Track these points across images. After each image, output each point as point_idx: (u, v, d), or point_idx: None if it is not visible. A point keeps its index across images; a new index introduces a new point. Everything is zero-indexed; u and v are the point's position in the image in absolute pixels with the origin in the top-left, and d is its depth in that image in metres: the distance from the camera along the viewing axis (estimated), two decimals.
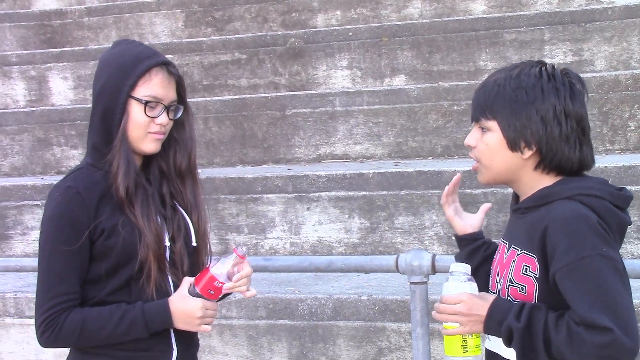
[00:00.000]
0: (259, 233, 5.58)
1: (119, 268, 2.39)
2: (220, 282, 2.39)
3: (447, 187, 2.46)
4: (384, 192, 5.34)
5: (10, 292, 5.14)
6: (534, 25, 6.43)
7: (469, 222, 2.41)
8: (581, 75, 5.89)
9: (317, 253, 5.46)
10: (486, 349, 2.26)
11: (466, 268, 2.18)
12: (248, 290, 2.48)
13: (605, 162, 5.01)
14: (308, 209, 5.49)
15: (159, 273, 2.42)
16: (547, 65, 2.16)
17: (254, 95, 6.73)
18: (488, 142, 2.15)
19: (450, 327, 2.15)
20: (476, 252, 2.36)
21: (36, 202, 5.98)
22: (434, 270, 3.39)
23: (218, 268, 2.39)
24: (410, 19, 7.16)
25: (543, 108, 2.08)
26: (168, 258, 2.47)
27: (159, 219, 2.45)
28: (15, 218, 6.08)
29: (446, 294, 2.15)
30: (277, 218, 5.56)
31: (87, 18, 8.32)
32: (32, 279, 5.31)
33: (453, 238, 5.14)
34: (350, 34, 6.89)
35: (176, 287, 2.46)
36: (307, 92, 6.66)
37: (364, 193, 5.38)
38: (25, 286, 5.17)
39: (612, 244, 2.04)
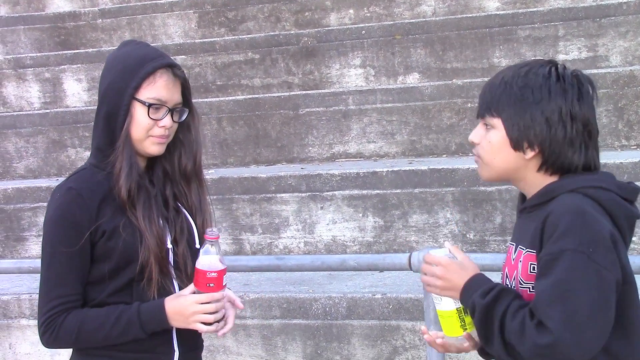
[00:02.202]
0: (272, 232, 5.58)
1: (119, 270, 2.38)
2: (213, 272, 2.34)
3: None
4: (398, 191, 5.32)
5: (25, 293, 5.16)
6: (548, 22, 6.38)
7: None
8: (596, 71, 5.83)
9: (332, 252, 5.44)
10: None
11: (443, 250, 2.16)
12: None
13: (620, 158, 4.97)
14: (322, 208, 5.47)
15: (161, 275, 2.40)
16: (558, 65, 2.10)
17: (267, 95, 6.73)
18: (491, 140, 2.11)
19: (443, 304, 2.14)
20: None
21: None
22: None
23: (202, 261, 2.35)
24: (423, 17, 7.13)
25: (548, 109, 2.03)
26: (172, 261, 2.45)
27: (161, 221, 2.44)
28: (30, 220, 6.10)
29: (430, 255, 2.15)
30: (290, 217, 5.55)
31: (100, 20, 8.34)
32: None
33: (468, 236, 5.15)
34: (363, 32, 6.87)
35: (181, 289, 2.44)
36: (320, 91, 6.64)
37: (378, 191, 5.36)
38: None
39: (610, 250, 1.95)
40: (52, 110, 7.38)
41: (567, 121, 2.04)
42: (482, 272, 2.12)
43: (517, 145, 2.07)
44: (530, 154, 2.07)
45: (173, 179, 2.52)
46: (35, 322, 5.05)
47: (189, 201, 2.53)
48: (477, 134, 2.16)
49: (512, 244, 2.18)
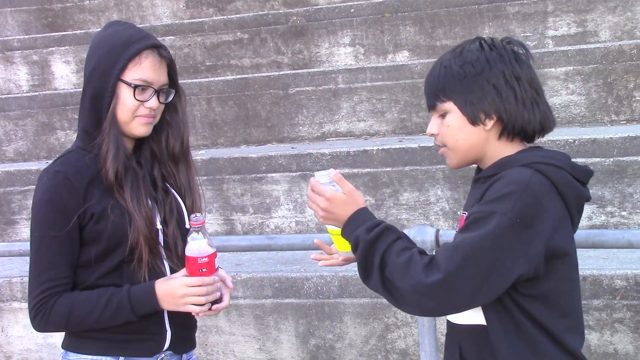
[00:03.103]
0: (264, 212, 5.58)
1: (109, 252, 2.38)
2: (204, 257, 2.34)
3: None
4: (389, 169, 5.32)
5: (17, 276, 5.15)
6: None
7: None
8: (585, 46, 5.79)
9: (323, 231, 5.41)
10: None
11: (327, 173, 2.20)
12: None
13: (610, 133, 4.97)
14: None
15: (152, 256, 2.40)
16: (486, 38, 2.18)
17: (256, 75, 6.70)
18: (450, 124, 2.16)
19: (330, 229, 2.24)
20: None
21: None
22: (438, 245, 3.38)
23: (190, 248, 2.35)
24: None
25: (493, 76, 2.11)
26: (162, 241, 2.44)
27: (150, 202, 2.43)
28: (20, 203, 6.08)
29: (316, 184, 2.19)
30: (281, 197, 5.55)
31: (88, 1, 8.29)
32: None
33: (459, 213, 5.15)
34: (352, 10, 6.85)
35: (172, 270, 2.44)
36: (309, 70, 6.62)
37: (369, 170, 5.36)
38: None
39: (533, 229, 1.98)
40: (41, 92, 7.34)
41: (513, 83, 2.11)
42: (366, 207, 2.18)
43: (474, 119, 2.13)
44: (489, 123, 2.13)
45: (161, 159, 2.52)
46: (27, 304, 5.07)
47: (177, 182, 2.54)
48: (433, 125, 2.22)
49: (464, 212, 2.23)
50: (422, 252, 2.04)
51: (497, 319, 2.07)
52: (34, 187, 6.36)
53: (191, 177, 2.57)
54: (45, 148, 6.96)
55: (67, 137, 6.87)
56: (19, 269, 5.26)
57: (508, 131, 2.13)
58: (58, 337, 5.02)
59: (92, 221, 2.36)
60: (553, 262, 2.05)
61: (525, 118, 2.12)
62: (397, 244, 2.06)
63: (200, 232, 2.34)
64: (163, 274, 2.43)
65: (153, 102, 2.42)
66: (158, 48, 2.43)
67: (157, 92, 2.43)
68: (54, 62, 7.64)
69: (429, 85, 2.20)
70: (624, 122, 5.57)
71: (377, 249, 2.06)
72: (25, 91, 7.64)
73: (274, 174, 5.57)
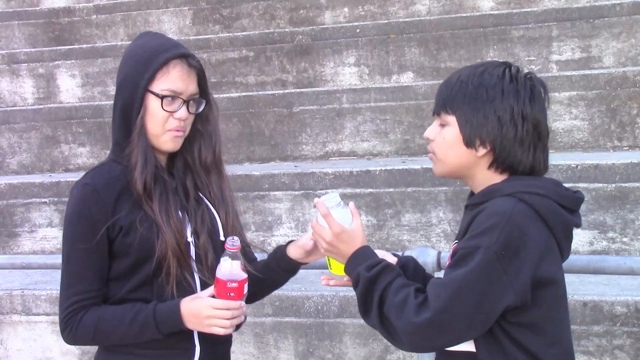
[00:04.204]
0: (266, 230, 5.58)
1: (138, 265, 2.34)
2: (234, 282, 2.28)
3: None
4: (391, 189, 5.33)
5: (17, 289, 5.15)
6: (541, 22, 6.40)
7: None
8: (589, 71, 5.83)
9: None
10: None
11: (335, 196, 2.25)
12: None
13: (612, 159, 4.99)
14: (315, 206, 5.47)
15: (181, 269, 2.35)
16: (512, 67, 2.16)
17: (261, 93, 6.73)
18: (445, 137, 2.16)
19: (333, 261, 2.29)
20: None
21: (44, 200, 6.00)
22: (439, 267, 3.38)
23: (222, 271, 2.29)
24: (417, 16, 7.15)
25: (501, 108, 2.09)
26: (193, 254, 2.40)
27: (180, 213, 2.39)
28: (23, 215, 6.09)
29: (327, 215, 2.22)
30: (284, 215, 5.55)
31: (95, 16, 8.33)
32: (39, 276, 5.34)
33: None
34: (358, 31, 6.88)
35: (202, 282, 2.39)
36: (314, 89, 6.64)
37: (371, 190, 5.37)
38: (32, 283, 5.19)
39: (519, 259, 1.99)
40: (46, 105, 7.37)
41: (518, 121, 2.10)
42: (368, 245, 2.21)
43: (469, 142, 2.13)
44: (482, 151, 2.13)
45: (194, 169, 2.48)
46: (27, 318, 5.08)
47: (211, 193, 2.49)
48: (432, 130, 2.21)
49: (456, 241, 2.23)
50: (419, 290, 2.06)
51: (486, 347, 2.07)
52: (37, 199, 6.38)
53: (224, 188, 2.51)
54: (49, 161, 6.97)
55: (71, 150, 6.89)
56: (20, 282, 5.26)
57: (497, 164, 2.13)
58: (56, 351, 5.02)
59: (121, 234, 2.33)
60: (540, 291, 2.05)
61: (517, 157, 2.11)
62: (396, 282, 2.08)
63: (235, 256, 2.29)
64: (191, 288, 2.38)
65: (182, 113, 2.37)
66: (187, 57, 2.39)
67: (187, 102, 2.39)
68: (60, 76, 7.67)
69: (440, 93, 2.20)
70: (627, 148, 5.59)
71: (376, 287, 2.09)
72: (30, 104, 7.66)
73: (276, 192, 5.57)
